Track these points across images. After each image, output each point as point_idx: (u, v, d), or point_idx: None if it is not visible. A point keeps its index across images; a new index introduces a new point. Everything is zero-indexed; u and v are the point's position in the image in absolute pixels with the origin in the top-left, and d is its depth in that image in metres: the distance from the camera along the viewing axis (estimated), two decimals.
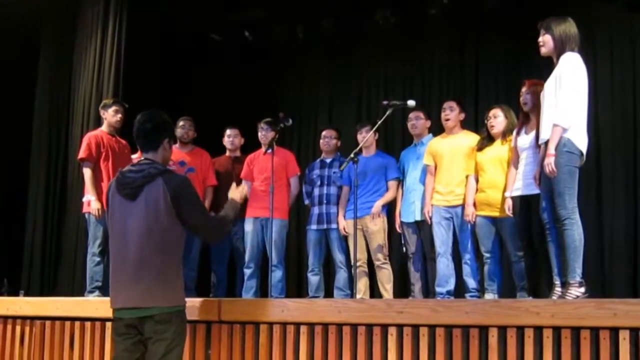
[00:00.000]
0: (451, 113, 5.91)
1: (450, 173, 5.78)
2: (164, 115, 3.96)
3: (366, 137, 6.12)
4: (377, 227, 6.14)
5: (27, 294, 6.95)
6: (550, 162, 4.39)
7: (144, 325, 3.72)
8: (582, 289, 4.37)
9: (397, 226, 6.18)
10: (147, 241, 3.71)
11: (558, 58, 4.56)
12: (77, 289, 6.57)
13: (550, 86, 4.56)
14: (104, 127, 6.30)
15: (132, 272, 3.71)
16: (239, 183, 6.70)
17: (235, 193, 4.19)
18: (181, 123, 6.71)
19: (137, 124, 3.94)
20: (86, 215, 6.13)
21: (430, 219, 5.81)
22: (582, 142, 4.48)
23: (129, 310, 3.74)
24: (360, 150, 5.92)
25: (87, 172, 6.08)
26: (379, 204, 6.15)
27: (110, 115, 6.24)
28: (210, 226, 3.94)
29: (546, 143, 4.52)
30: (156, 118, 3.92)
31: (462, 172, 5.75)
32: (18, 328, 5.45)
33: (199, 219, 3.84)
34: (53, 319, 5.28)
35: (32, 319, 5.39)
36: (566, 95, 4.43)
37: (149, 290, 3.69)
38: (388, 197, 6.22)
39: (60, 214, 7.38)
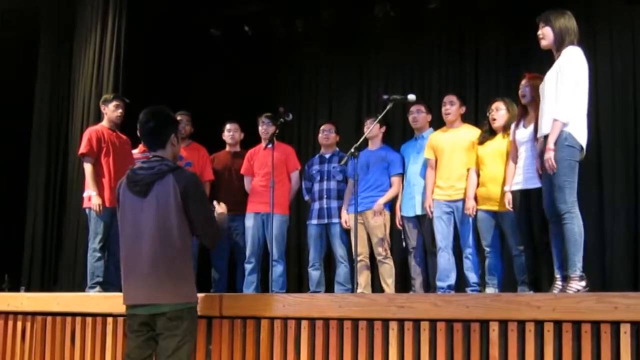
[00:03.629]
0: (451, 107, 5.88)
1: (450, 167, 5.76)
2: (166, 110, 3.92)
3: (369, 128, 6.06)
4: (378, 222, 6.12)
5: (27, 290, 6.95)
6: (550, 157, 4.38)
7: (156, 322, 3.74)
8: (583, 283, 4.37)
9: (397, 221, 6.17)
10: (159, 238, 3.71)
11: (558, 50, 4.56)
12: (78, 285, 6.57)
13: (551, 79, 4.55)
14: (104, 122, 6.28)
15: (144, 269, 3.72)
16: (238, 178, 6.74)
17: (220, 208, 4.18)
18: (178, 118, 6.68)
19: (141, 123, 3.88)
20: (87, 211, 6.13)
21: (432, 213, 5.80)
22: (582, 136, 4.48)
23: (142, 307, 3.75)
24: (366, 143, 5.86)
25: (87, 168, 6.07)
26: (381, 202, 6.10)
27: (111, 111, 6.23)
28: (211, 228, 3.91)
29: (545, 137, 4.52)
30: (159, 115, 3.88)
31: (463, 166, 5.73)
32: (19, 324, 5.45)
33: (203, 218, 3.81)
34: (54, 314, 5.29)
35: (33, 314, 5.39)
36: (566, 89, 4.43)
37: (162, 286, 3.70)
38: (391, 194, 6.16)
39: (60, 210, 7.36)
